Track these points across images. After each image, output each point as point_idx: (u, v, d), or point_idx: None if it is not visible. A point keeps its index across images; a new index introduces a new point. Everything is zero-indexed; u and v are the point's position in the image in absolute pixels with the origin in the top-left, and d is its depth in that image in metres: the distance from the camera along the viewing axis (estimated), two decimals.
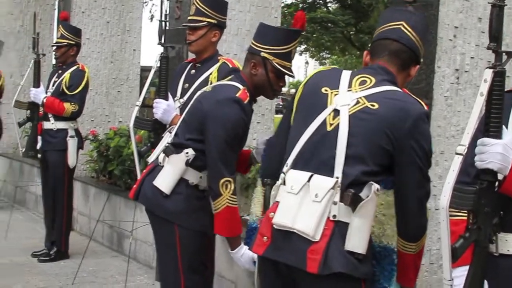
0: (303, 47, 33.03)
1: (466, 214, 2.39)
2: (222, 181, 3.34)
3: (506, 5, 2.29)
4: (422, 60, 2.83)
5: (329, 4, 30.18)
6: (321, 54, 35.19)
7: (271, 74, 3.43)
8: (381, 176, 2.56)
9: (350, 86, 2.65)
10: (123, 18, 8.45)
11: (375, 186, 2.48)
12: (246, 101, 3.42)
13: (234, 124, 3.37)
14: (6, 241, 7.21)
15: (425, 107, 2.72)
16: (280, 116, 3.82)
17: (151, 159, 3.76)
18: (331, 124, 2.60)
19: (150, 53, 4.78)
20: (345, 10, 27.91)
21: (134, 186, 3.71)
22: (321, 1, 30.22)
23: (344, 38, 29.02)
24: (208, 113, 3.38)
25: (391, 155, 2.54)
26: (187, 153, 3.46)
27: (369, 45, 2.89)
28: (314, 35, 30.02)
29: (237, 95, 3.39)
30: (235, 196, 3.40)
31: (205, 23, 4.23)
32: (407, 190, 2.60)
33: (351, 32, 28.26)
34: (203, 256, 3.62)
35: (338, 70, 2.78)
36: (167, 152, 3.52)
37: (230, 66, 4.21)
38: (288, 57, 3.42)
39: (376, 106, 2.56)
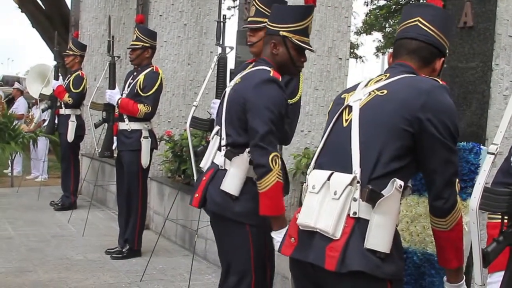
0: None
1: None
2: (272, 156, 3.30)
3: None
4: (448, 52, 2.73)
5: None
6: None
7: (293, 51, 3.51)
8: (404, 160, 2.44)
9: (366, 85, 2.64)
10: (200, 20, 8.54)
11: (398, 182, 2.40)
12: (280, 79, 3.48)
13: (277, 103, 3.38)
14: (83, 238, 7.42)
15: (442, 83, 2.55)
16: None
17: (204, 164, 3.73)
18: (346, 120, 2.58)
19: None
20: None
21: (196, 195, 3.65)
22: (413, 2, 29.74)
23: None
24: (249, 99, 3.39)
25: (412, 135, 2.43)
26: (249, 152, 3.45)
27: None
28: None
29: (271, 75, 3.43)
30: (281, 172, 3.39)
31: (266, 23, 4.20)
32: (433, 166, 2.47)
33: None
34: (269, 252, 3.61)
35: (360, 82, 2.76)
36: (229, 155, 3.51)
37: None
38: (305, 32, 3.53)
39: (385, 91, 2.51)
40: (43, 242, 7.21)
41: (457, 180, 2.49)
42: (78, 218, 8.31)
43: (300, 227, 2.54)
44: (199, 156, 4.37)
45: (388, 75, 2.61)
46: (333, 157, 2.54)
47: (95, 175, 9.15)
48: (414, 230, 3.05)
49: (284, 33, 3.46)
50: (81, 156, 9.90)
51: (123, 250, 6.70)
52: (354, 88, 2.70)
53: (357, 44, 30.34)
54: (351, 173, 2.44)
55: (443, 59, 2.69)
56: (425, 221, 3.07)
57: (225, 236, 3.65)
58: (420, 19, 2.64)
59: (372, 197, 2.38)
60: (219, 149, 3.60)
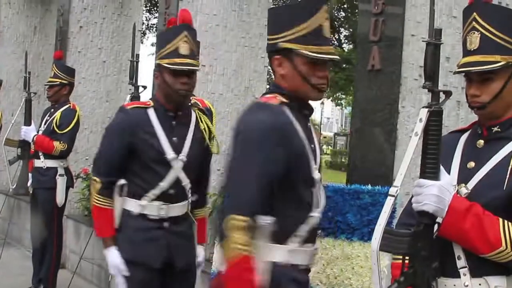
0: None
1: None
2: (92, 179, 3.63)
3: (442, 43, 2.27)
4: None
5: (344, 45, 30.33)
6: (336, 94, 35.18)
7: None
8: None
9: None
10: (119, 57, 8.50)
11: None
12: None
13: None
14: None
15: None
16: None
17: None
18: None
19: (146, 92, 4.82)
20: None
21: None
22: (336, 42, 30.37)
23: None
24: None
25: None
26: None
27: None
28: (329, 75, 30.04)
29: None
30: (100, 196, 3.54)
31: None
32: None
33: None
34: None
35: None
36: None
37: (201, 106, 4.19)
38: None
39: None
40: None
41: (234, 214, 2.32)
42: None
43: None
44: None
45: None
46: None
47: (10, 213, 8.91)
48: (331, 273, 3.08)
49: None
50: None
51: None
52: None
53: None
54: None
55: (279, 56, 2.52)
56: (342, 263, 3.12)
57: None
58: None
59: None
60: None
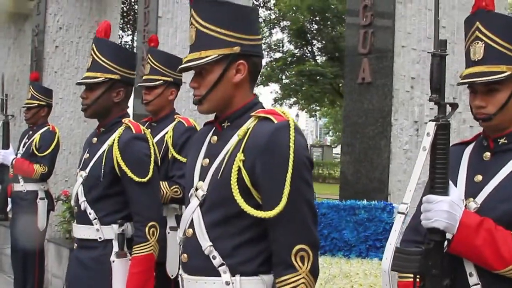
0: (292, 100, 33.18)
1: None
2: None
3: (447, 54, 2.20)
4: None
5: (317, 57, 30.43)
6: (311, 106, 35.32)
7: None
8: None
9: None
10: None
11: None
12: None
13: None
14: None
15: None
16: None
17: None
18: None
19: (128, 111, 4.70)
20: (333, 62, 28.08)
21: None
22: (309, 54, 30.48)
23: (333, 89, 29.16)
24: None
25: None
26: None
27: None
28: (304, 88, 30.20)
29: None
30: None
31: (161, 81, 4.16)
32: None
33: (339, 84, 28.39)
34: None
35: None
36: None
37: (186, 125, 4.12)
38: None
39: None
40: None
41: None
42: None
43: None
44: None
45: None
46: None
47: None
48: None
49: None
50: None
51: None
52: None
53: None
54: None
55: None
56: (341, 282, 3.03)
57: None
58: None
59: None
60: None
